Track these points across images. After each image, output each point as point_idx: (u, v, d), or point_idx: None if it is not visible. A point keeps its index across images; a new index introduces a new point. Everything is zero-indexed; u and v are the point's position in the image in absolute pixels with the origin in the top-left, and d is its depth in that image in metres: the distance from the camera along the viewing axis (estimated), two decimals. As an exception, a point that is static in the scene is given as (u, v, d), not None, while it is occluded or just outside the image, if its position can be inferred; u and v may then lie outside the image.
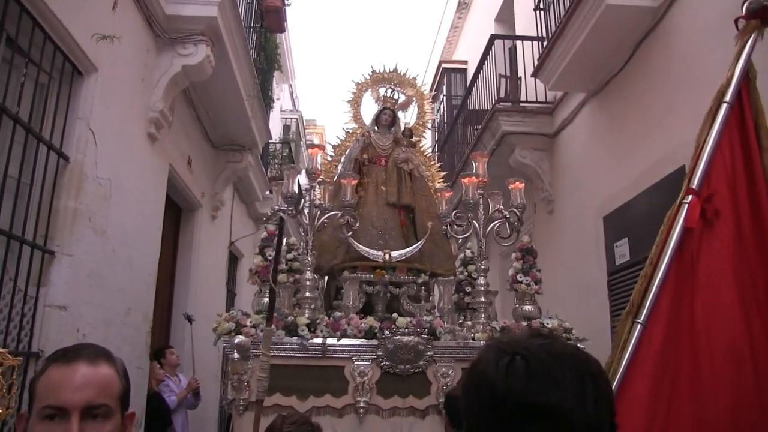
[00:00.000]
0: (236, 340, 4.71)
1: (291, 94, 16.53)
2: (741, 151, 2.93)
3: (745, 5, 3.11)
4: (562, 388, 1.09)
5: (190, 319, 6.72)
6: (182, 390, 6.48)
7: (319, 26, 78.97)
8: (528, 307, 5.66)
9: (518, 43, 9.39)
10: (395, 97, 6.93)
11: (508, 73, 9.70)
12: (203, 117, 7.64)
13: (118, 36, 4.60)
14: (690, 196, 2.83)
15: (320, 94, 65.24)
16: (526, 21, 9.42)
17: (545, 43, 7.60)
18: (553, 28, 7.31)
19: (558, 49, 7.00)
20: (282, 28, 8.99)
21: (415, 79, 7.03)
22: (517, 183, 5.93)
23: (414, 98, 7.04)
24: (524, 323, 5.42)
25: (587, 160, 7.67)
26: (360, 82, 6.87)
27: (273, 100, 10.24)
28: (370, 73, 6.88)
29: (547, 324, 5.38)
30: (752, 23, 3.06)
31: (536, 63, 7.83)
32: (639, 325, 2.64)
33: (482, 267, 5.73)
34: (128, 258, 5.51)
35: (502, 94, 9.16)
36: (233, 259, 10.22)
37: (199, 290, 7.83)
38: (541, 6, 7.88)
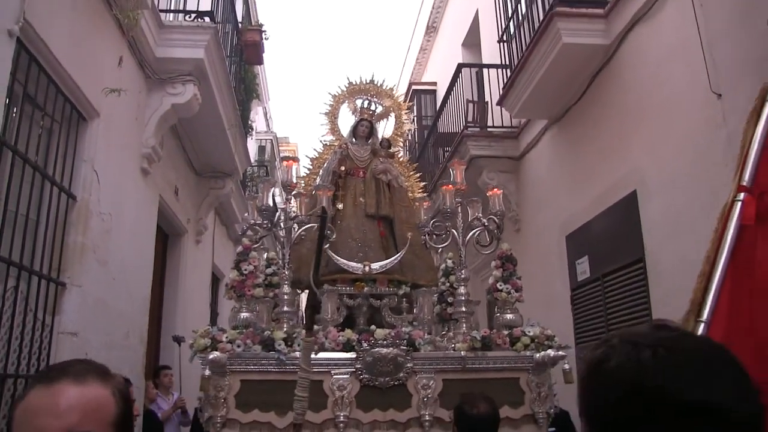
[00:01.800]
0: (210, 356, 4.64)
1: (265, 115, 17.05)
2: None
3: None
4: (717, 381, 0.99)
5: (179, 341, 7.14)
6: (168, 408, 6.94)
7: (289, 44, 79.86)
8: (509, 316, 5.52)
9: (484, 69, 10.03)
10: (372, 108, 6.94)
11: (476, 98, 10.35)
12: (188, 147, 8.16)
13: (125, 89, 5.12)
14: (742, 194, 2.87)
15: (292, 111, 66.11)
16: (491, 48, 10.05)
17: (509, 73, 8.22)
18: (516, 59, 7.94)
19: (520, 81, 7.62)
20: (260, 60, 9.55)
21: (392, 89, 7.09)
22: (495, 190, 5.95)
23: (391, 109, 7.05)
24: (505, 332, 5.29)
25: (550, 182, 8.30)
26: (337, 93, 6.85)
27: (252, 128, 10.79)
28: (347, 85, 6.87)
29: (529, 332, 5.27)
30: None
31: (501, 91, 8.45)
32: (702, 324, 2.66)
33: (462, 276, 5.61)
34: (126, 285, 6.01)
35: (470, 118, 9.79)
36: (215, 280, 10.70)
37: (186, 311, 8.31)
38: (504, 38, 8.50)
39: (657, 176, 5.90)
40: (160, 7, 6.47)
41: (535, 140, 8.72)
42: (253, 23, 9.91)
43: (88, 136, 5.22)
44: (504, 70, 8.74)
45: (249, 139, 10.42)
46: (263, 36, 9.00)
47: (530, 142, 8.85)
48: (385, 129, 7.41)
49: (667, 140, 5.75)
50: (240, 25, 9.26)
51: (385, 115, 7.10)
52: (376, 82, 6.93)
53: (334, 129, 6.89)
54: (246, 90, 9.45)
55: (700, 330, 2.63)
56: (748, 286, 2.76)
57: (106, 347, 5.44)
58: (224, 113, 7.64)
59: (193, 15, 6.70)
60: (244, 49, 8.88)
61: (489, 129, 9.58)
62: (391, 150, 6.89)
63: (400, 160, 7.21)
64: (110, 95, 5.14)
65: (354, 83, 6.86)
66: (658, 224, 5.89)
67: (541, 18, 7.01)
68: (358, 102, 6.91)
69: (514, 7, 8.15)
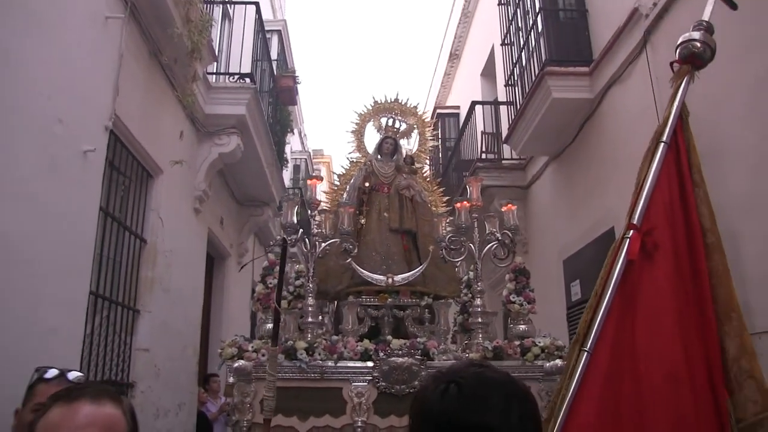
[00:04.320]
0: (236, 365, 5.11)
1: (299, 133, 18.45)
2: (678, 187, 3.23)
3: (678, 50, 3.55)
4: (489, 408, 1.29)
5: (227, 353, 8.53)
6: (215, 411, 8.35)
7: (322, 57, 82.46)
8: (522, 327, 5.89)
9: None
10: (397, 125, 7.39)
11: (492, 128, 11.61)
12: (231, 183, 9.61)
13: (186, 160, 6.55)
14: (631, 231, 3.12)
15: (326, 123, 68.21)
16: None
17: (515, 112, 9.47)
18: (520, 101, 9.16)
19: (521, 125, 8.87)
20: (294, 102, 10.97)
21: (416, 107, 7.56)
22: (510, 205, 6.39)
23: (415, 126, 7.53)
24: (516, 342, 5.65)
25: (551, 212, 9.55)
26: (363, 112, 7.35)
27: (288, 161, 12.22)
28: (372, 104, 7.35)
29: (539, 342, 5.61)
30: (684, 68, 3.50)
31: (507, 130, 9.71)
32: (585, 353, 2.89)
33: (478, 289, 5.99)
34: (183, 307, 7.45)
35: (483, 148, 11.09)
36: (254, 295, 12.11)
37: (230, 324, 9.75)
38: (510, 83, 9.76)
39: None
40: (207, 71, 7.85)
41: (539, 173, 9.97)
42: (288, 68, 11.34)
43: (155, 189, 6.66)
44: (511, 107, 9.97)
45: (284, 169, 11.84)
46: (296, 81, 10.39)
47: (535, 174, 10.11)
48: (412, 145, 8.01)
49: (632, 188, 6.95)
50: (274, 65, 10.65)
51: (409, 132, 7.62)
52: (400, 101, 7.46)
53: (360, 146, 7.45)
54: (281, 126, 10.86)
55: (583, 359, 2.91)
56: (631, 317, 3.00)
57: (168, 360, 6.86)
58: (263, 154, 9.05)
59: (236, 77, 8.10)
60: (279, 93, 10.28)
61: (502, 161, 10.82)
62: (414, 166, 7.38)
63: (424, 175, 7.78)
64: (169, 152, 6.60)
65: (379, 102, 7.41)
66: (629, 258, 7.09)
67: (536, 72, 8.25)
68: (383, 120, 7.42)
69: (517, 56, 9.39)
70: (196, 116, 7.63)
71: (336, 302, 6.87)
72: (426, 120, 7.82)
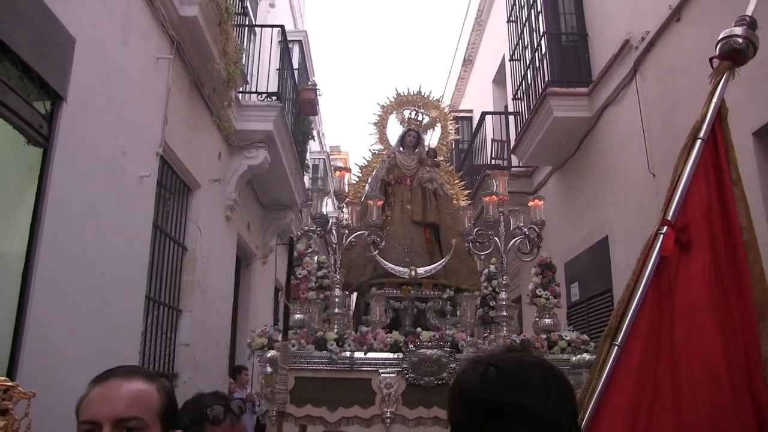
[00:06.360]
0: (268, 355, 5.24)
1: (318, 133, 19.30)
2: (716, 183, 3.17)
3: (718, 46, 3.40)
4: (527, 390, 1.37)
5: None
6: (242, 400, 9.30)
7: (339, 53, 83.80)
8: (547, 320, 5.97)
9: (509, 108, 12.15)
10: (419, 118, 7.53)
11: (502, 137, 12.45)
12: (257, 190, 10.55)
13: (221, 175, 7.46)
14: (665, 227, 3.05)
15: (342, 120, 69.27)
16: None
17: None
18: (527, 113, 9.97)
19: (526, 138, 9.72)
20: (315, 112, 11.85)
21: (438, 100, 7.74)
22: (537, 201, 6.60)
23: (437, 119, 7.67)
24: (543, 336, 5.74)
25: (553, 217, 10.34)
26: (385, 104, 7.49)
27: (309, 167, 13.12)
28: (395, 96, 7.48)
29: (566, 336, 5.70)
30: (724, 64, 3.37)
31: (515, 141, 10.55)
32: (616, 347, 2.87)
33: (503, 282, 6.15)
34: (217, 307, 8.39)
35: (493, 155, 11.94)
36: (276, 291, 13.07)
37: (255, 319, 10.67)
38: (518, 96, 10.59)
39: (620, 228, 7.93)
40: (238, 90, 8.73)
41: (544, 180, 10.83)
42: (309, 78, 12.23)
43: (194, 202, 7.60)
44: (519, 117, 10.80)
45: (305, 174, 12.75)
46: (317, 93, 11.28)
47: (540, 181, 10.97)
48: (431, 139, 8.25)
49: (625, 202, 7.78)
50: (296, 74, 11.51)
51: (431, 125, 7.79)
52: (423, 94, 7.61)
53: (383, 138, 7.60)
54: (303, 135, 11.76)
55: (614, 352, 2.90)
56: (669, 313, 2.98)
57: (205, 354, 7.81)
58: (287, 164, 9.97)
59: (264, 95, 9.00)
60: (301, 104, 11.16)
61: (510, 168, 11.67)
62: (437, 159, 7.56)
63: (446, 168, 7.91)
64: (206, 168, 7.50)
65: (402, 94, 7.55)
66: (621, 265, 7.92)
67: (540, 90, 9.08)
68: (406, 113, 7.57)
69: (523, 73, 10.21)
70: (227, 131, 8.53)
71: (356, 294, 7.13)
72: (448, 113, 8.00)
